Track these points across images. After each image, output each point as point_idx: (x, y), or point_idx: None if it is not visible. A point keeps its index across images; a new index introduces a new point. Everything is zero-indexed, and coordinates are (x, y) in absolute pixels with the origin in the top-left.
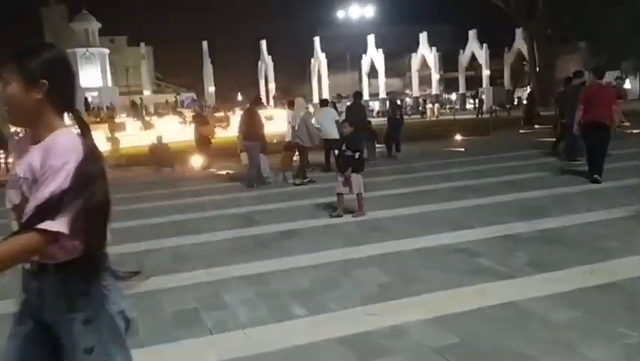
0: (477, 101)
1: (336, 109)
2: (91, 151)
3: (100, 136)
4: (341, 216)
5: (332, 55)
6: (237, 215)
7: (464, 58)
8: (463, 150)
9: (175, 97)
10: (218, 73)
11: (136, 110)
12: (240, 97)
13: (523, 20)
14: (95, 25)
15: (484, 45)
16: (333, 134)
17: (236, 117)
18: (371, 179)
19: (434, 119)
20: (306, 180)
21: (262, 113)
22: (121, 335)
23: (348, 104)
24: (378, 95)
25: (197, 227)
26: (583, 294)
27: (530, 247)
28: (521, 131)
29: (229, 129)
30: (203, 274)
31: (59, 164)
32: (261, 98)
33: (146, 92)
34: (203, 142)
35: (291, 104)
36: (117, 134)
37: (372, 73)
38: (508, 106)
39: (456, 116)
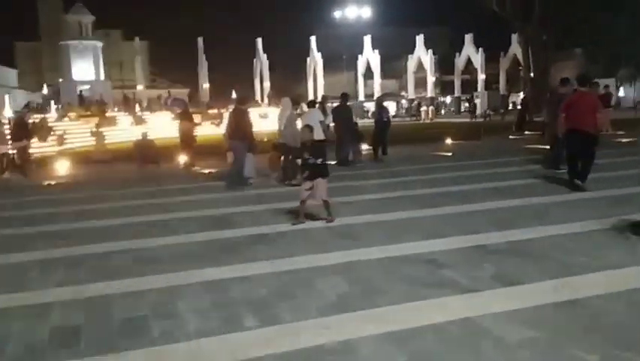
0: (471, 105)
1: (324, 110)
2: None
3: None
4: (303, 222)
5: (328, 55)
6: (212, 217)
7: (460, 61)
8: (450, 154)
9: (168, 92)
10: (213, 70)
11: (128, 104)
12: (234, 94)
13: (518, 25)
14: (89, 19)
15: (480, 49)
16: (319, 135)
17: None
18: (353, 182)
19: (428, 121)
20: (293, 182)
21: (256, 111)
22: None
23: (335, 105)
24: (373, 96)
25: (169, 228)
26: (543, 312)
27: (499, 259)
28: (511, 137)
29: (222, 126)
30: (163, 278)
31: None
32: (247, 97)
33: (140, 87)
34: (187, 140)
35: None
36: (108, 129)
37: (368, 74)
38: (502, 111)
39: (450, 120)
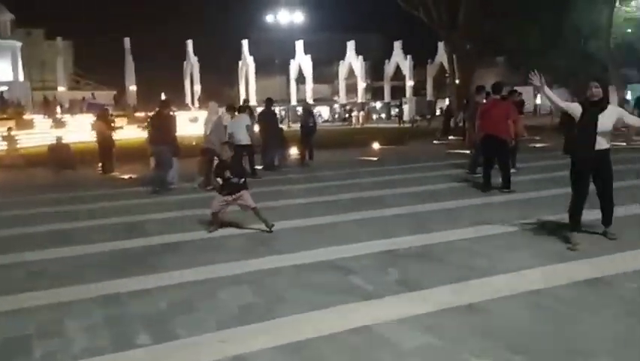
0: (399, 111)
1: (252, 114)
2: None
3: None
4: (217, 229)
5: (261, 58)
6: (124, 224)
7: (390, 68)
8: (375, 159)
9: (92, 94)
10: (142, 72)
11: (48, 106)
12: (163, 97)
13: (444, 34)
14: (7, 17)
15: (409, 56)
16: (244, 140)
17: None
18: (277, 187)
19: (359, 127)
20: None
21: (186, 114)
22: None
23: (260, 110)
24: (306, 100)
25: (74, 238)
26: (441, 316)
27: (407, 263)
28: (436, 142)
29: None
30: (55, 293)
31: None
32: (170, 100)
33: (61, 88)
34: (105, 144)
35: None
36: (24, 133)
37: (301, 78)
38: (429, 117)
39: (380, 125)
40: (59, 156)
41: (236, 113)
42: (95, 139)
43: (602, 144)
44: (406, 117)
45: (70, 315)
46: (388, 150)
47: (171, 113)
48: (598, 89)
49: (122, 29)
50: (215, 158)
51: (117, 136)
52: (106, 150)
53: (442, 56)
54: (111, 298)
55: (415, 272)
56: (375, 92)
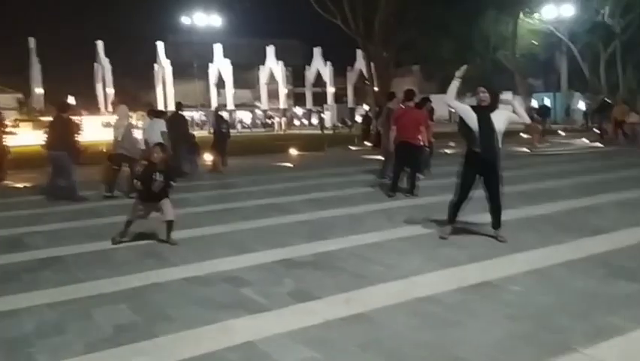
0: (320, 117)
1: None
2: None
3: None
4: (121, 241)
5: (179, 62)
6: (8, 237)
7: (311, 74)
8: (291, 165)
9: None
10: (49, 74)
11: None
12: (71, 100)
13: (362, 42)
14: None
15: (329, 63)
16: None
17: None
18: (183, 195)
19: (281, 133)
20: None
21: (98, 119)
22: None
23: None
24: (226, 105)
25: None
26: (329, 328)
27: (302, 273)
28: (353, 148)
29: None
30: None
31: None
32: (68, 103)
33: None
34: None
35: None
36: None
37: (222, 83)
38: (349, 123)
39: (302, 131)
40: None
41: (152, 118)
42: None
43: (492, 146)
44: (327, 124)
45: None
46: (306, 157)
47: (71, 116)
48: (485, 94)
49: (26, 28)
50: (125, 164)
51: (15, 142)
52: None
53: (361, 63)
54: None
55: (309, 282)
56: (297, 98)
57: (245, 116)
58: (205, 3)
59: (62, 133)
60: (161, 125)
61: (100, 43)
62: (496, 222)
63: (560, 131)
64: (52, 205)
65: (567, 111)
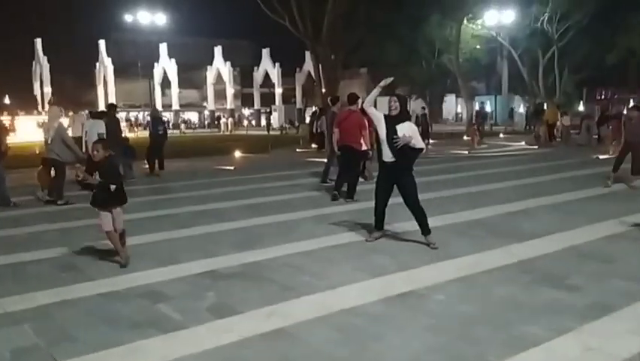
0: (267, 118)
1: None
2: None
3: None
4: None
5: (122, 61)
6: None
7: (259, 75)
8: (232, 168)
9: None
10: None
11: None
12: (7, 100)
13: (310, 44)
14: None
15: (277, 64)
16: None
17: None
18: None
19: (228, 133)
20: (62, 202)
21: (35, 119)
22: None
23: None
24: (171, 106)
25: None
26: (245, 346)
27: (226, 285)
28: (298, 150)
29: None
30: None
31: None
32: None
33: None
34: None
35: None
36: None
37: (167, 83)
38: (297, 124)
39: (249, 132)
40: None
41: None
42: None
43: (399, 154)
44: (275, 125)
45: None
46: (250, 159)
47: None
48: (396, 103)
49: None
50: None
51: None
52: None
53: (309, 64)
54: None
55: (233, 295)
56: (245, 99)
57: (192, 116)
58: (149, 1)
59: None
60: (99, 126)
61: (38, 41)
62: (423, 229)
63: (500, 134)
64: None
65: (510, 114)
